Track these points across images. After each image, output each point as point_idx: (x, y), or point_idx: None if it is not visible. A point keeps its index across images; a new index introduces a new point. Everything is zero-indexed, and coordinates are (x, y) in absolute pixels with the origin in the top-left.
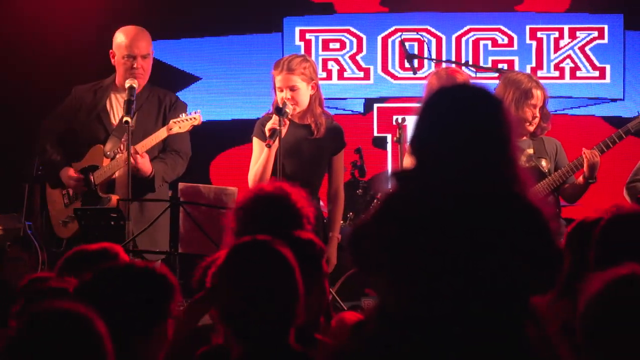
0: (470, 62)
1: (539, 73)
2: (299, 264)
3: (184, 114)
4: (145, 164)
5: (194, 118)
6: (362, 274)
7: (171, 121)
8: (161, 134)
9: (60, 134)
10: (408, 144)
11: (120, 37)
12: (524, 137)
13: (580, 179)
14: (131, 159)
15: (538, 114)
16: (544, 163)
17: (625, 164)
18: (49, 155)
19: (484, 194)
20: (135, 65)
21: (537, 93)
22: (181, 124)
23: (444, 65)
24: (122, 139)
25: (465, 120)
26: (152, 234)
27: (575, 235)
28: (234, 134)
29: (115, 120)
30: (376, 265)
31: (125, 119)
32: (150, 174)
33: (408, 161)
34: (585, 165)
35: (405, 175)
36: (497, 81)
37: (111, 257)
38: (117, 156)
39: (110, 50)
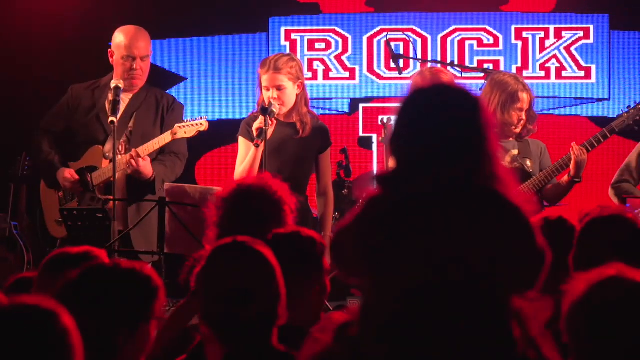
0: (456, 62)
1: (525, 73)
2: (299, 261)
3: (189, 119)
4: (146, 167)
5: (201, 124)
6: (345, 277)
7: (176, 126)
8: (165, 138)
9: (57, 133)
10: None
11: (119, 37)
12: (510, 139)
13: (565, 178)
14: (133, 162)
15: (524, 117)
16: (529, 163)
17: (610, 164)
18: (46, 156)
19: (463, 193)
20: (134, 67)
21: (524, 96)
22: (187, 129)
23: (429, 65)
24: (121, 140)
25: (442, 119)
26: (147, 235)
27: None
28: (219, 134)
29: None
30: (359, 269)
31: (110, 119)
32: (151, 176)
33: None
34: (572, 162)
35: (385, 178)
36: (482, 81)
37: (93, 260)
38: (117, 158)
39: (109, 50)
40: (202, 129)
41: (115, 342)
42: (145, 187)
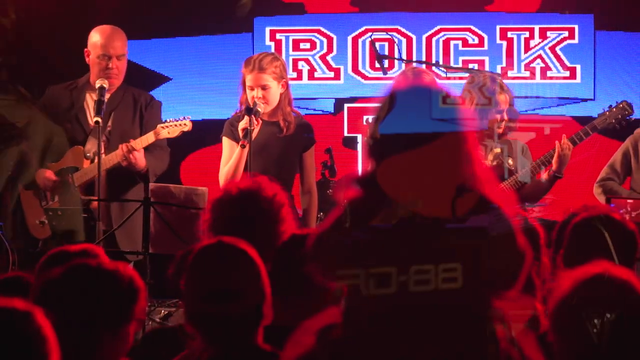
0: (441, 62)
1: (510, 73)
2: None
3: (172, 119)
4: (140, 159)
5: (185, 124)
6: (327, 279)
7: (158, 126)
8: (148, 138)
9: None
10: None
11: (95, 37)
12: (493, 138)
13: (545, 175)
14: (130, 156)
15: (506, 117)
16: (510, 162)
17: (595, 164)
18: (25, 156)
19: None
20: (110, 66)
21: (501, 98)
22: (170, 130)
23: (413, 65)
24: (102, 139)
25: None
26: (131, 235)
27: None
28: (204, 134)
29: (92, 121)
30: (340, 271)
31: (95, 119)
32: (144, 167)
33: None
34: (555, 155)
35: (366, 180)
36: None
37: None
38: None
39: (85, 49)
40: (185, 129)
41: (95, 342)
42: (130, 185)
